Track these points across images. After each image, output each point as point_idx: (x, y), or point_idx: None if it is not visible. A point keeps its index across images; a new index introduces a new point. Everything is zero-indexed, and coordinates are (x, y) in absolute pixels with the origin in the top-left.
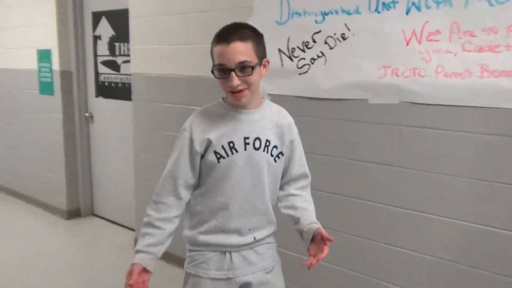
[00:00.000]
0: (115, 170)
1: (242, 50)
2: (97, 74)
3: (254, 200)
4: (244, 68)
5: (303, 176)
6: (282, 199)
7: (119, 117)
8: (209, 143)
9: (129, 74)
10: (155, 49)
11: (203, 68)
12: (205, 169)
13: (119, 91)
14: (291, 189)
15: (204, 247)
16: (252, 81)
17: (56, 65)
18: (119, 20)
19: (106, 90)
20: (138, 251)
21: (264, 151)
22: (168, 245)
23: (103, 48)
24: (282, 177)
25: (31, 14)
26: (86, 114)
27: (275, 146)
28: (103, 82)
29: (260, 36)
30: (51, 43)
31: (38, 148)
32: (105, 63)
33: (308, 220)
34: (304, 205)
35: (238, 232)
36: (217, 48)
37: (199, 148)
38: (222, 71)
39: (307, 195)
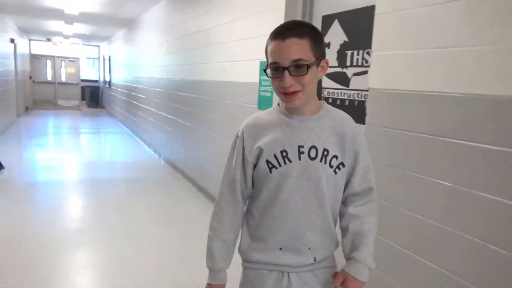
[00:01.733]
0: None
1: (298, 48)
2: (319, 88)
3: (311, 215)
4: (299, 67)
5: (368, 190)
6: (341, 216)
7: None
8: (260, 151)
9: (363, 90)
10: (406, 55)
11: (486, 81)
12: (259, 180)
13: (345, 111)
14: (352, 207)
15: (261, 265)
16: (307, 82)
17: None
18: (355, 22)
19: None
20: (212, 270)
21: (321, 161)
22: (234, 251)
23: (331, 57)
24: (344, 190)
25: (256, 25)
26: None
27: (335, 156)
28: (326, 99)
29: (319, 34)
30: None
31: None
32: (331, 76)
33: (349, 251)
34: (357, 229)
35: (296, 250)
36: (272, 45)
37: (249, 156)
38: (276, 70)
39: (366, 215)
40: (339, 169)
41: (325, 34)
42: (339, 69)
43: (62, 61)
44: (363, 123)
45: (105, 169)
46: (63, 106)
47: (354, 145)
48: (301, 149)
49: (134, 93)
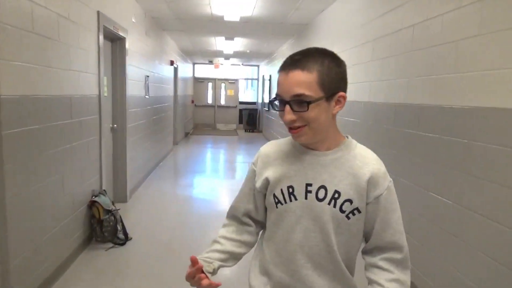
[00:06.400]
0: None
1: (301, 82)
2: None
3: (318, 259)
4: (301, 102)
5: (393, 247)
6: (366, 267)
7: None
8: (267, 183)
9: None
10: None
11: None
12: (268, 211)
13: None
14: (377, 259)
15: None
16: (311, 118)
17: None
18: None
19: None
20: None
21: (329, 204)
22: (223, 264)
23: None
24: (367, 241)
25: None
26: None
27: (349, 200)
28: None
29: (333, 65)
30: None
31: None
32: None
33: None
34: (384, 284)
35: None
36: (278, 77)
37: (258, 185)
38: (281, 102)
39: (396, 272)
40: (354, 214)
41: None
42: None
43: (222, 84)
44: None
45: None
46: (221, 130)
47: (375, 190)
48: (309, 188)
49: None
